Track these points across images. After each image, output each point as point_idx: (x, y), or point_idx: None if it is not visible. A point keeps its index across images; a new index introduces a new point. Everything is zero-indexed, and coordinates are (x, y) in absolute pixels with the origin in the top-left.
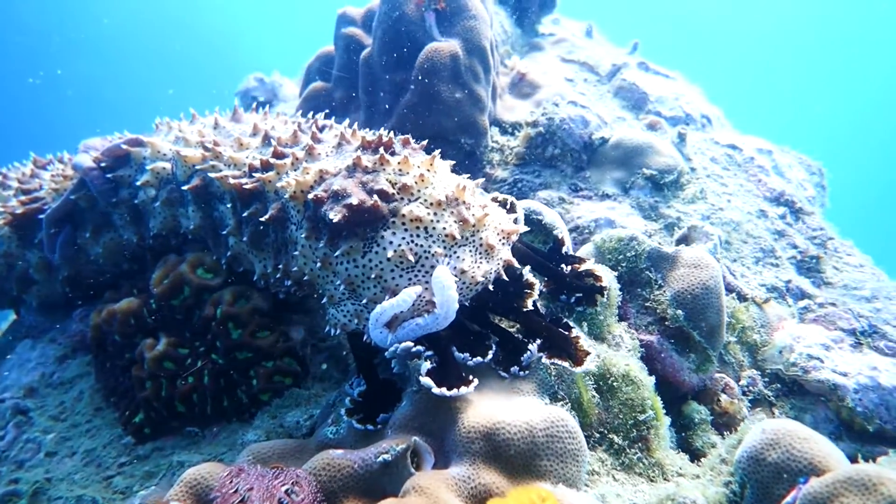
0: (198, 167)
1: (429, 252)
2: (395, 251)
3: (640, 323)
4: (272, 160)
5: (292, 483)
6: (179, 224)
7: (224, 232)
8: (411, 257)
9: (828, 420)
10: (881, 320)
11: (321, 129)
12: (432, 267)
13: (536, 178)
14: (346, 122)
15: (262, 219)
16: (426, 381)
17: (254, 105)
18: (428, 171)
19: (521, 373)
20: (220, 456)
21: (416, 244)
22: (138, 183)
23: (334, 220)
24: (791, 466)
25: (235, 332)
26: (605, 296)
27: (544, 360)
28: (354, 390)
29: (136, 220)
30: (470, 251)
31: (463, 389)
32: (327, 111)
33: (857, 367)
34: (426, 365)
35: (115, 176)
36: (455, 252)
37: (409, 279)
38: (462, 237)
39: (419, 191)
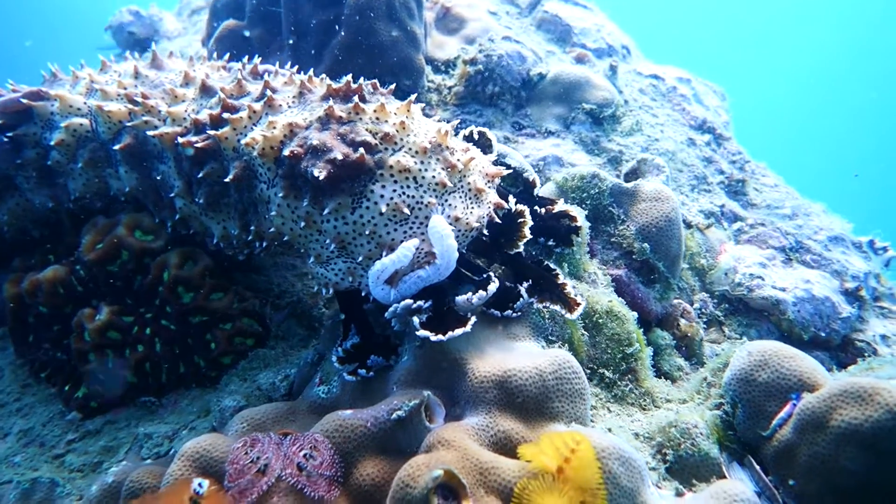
0: (128, 123)
1: (421, 202)
2: (387, 205)
3: (607, 258)
4: (226, 115)
5: (311, 447)
6: (107, 186)
7: (172, 195)
8: (406, 210)
9: (770, 332)
10: (804, 236)
11: (261, 76)
12: (426, 217)
13: (479, 117)
14: (289, 66)
15: (227, 180)
16: (423, 332)
17: (154, 48)
18: (406, 117)
19: (514, 314)
20: (190, 424)
21: (408, 195)
22: (52, 142)
23: (320, 178)
24: (781, 384)
25: (187, 295)
26: (580, 235)
27: (536, 304)
28: (348, 342)
29: (49, 183)
30: (460, 197)
31: (459, 330)
32: (246, 54)
33: (792, 282)
34: (419, 318)
35: (17, 135)
36: (447, 200)
37: (405, 232)
38: (451, 184)
39: (402, 139)
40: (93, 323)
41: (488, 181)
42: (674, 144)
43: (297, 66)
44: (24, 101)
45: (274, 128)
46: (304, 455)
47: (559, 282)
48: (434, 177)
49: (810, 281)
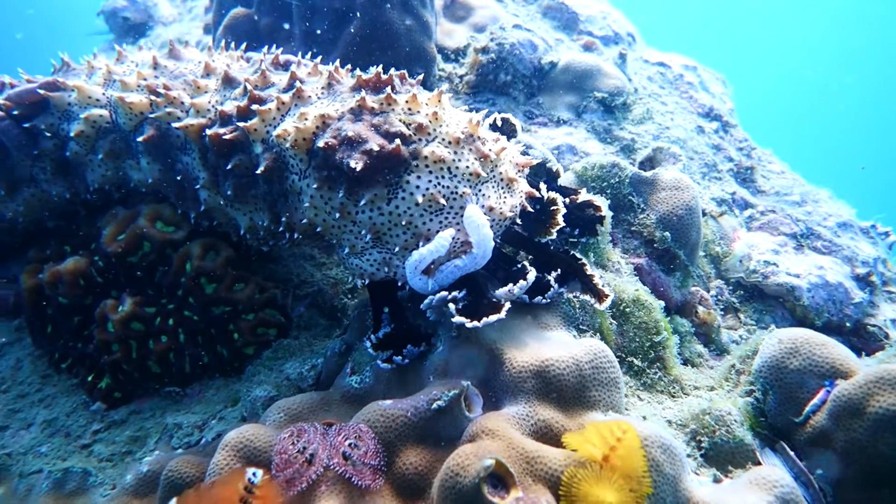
0: (151, 115)
1: (456, 192)
2: (423, 195)
3: (628, 247)
4: (254, 106)
5: (355, 437)
6: (127, 177)
7: (197, 186)
8: (442, 200)
9: (784, 319)
10: (814, 222)
11: (285, 66)
12: (462, 207)
13: (491, 106)
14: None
15: (258, 172)
16: (459, 319)
17: (172, 41)
18: (438, 107)
19: (544, 301)
20: (218, 414)
21: (443, 186)
22: (72, 134)
23: (357, 169)
24: (814, 371)
25: (209, 286)
26: (604, 225)
27: (566, 293)
28: (381, 331)
29: (66, 174)
30: (493, 187)
31: (494, 317)
32: (255, 43)
33: (806, 269)
34: (455, 305)
35: (34, 125)
36: (480, 190)
37: (440, 222)
38: (484, 174)
39: (435, 129)
40: (116, 314)
41: (519, 171)
42: (684, 132)
43: (319, 57)
44: (42, 91)
45: (306, 119)
46: (349, 444)
47: (588, 272)
48: (468, 167)
49: (823, 267)
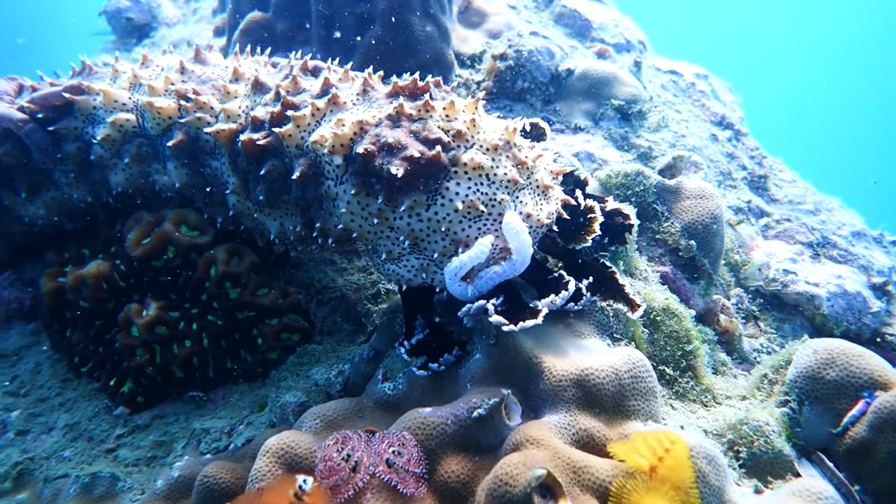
0: (181, 120)
1: (494, 199)
2: (463, 202)
3: (652, 255)
4: (290, 112)
5: (399, 445)
6: (152, 181)
7: (227, 191)
8: (482, 207)
9: (803, 327)
10: (829, 231)
11: (313, 72)
12: (500, 214)
13: (509, 112)
14: (337, 62)
15: (293, 177)
16: (497, 318)
17: (198, 46)
18: (474, 114)
19: (577, 307)
20: (245, 419)
21: (482, 192)
22: (98, 138)
23: (398, 175)
24: (851, 382)
25: (234, 291)
26: (632, 233)
27: (599, 302)
28: (415, 337)
29: (88, 177)
30: (530, 194)
31: (531, 321)
32: (271, 47)
33: (824, 278)
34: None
35: (58, 129)
36: (517, 196)
37: (479, 229)
38: (522, 181)
39: (473, 136)
40: (141, 318)
41: (553, 178)
42: (699, 140)
43: (350, 63)
44: (67, 94)
45: (343, 125)
46: (393, 452)
47: (620, 280)
48: (506, 174)
49: (842, 276)
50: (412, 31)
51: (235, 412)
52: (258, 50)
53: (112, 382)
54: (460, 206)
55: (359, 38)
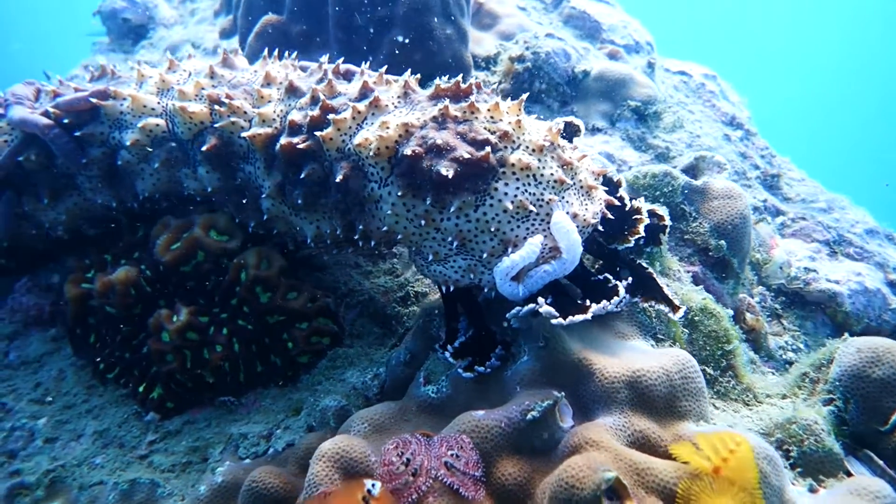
0: (215, 124)
1: (542, 199)
2: (512, 202)
3: (681, 255)
4: (331, 116)
5: (458, 448)
6: (181, 186)
7: (263, 195)
8: (532, 207)
9: (824, 324)
10: (843, 229)
11: (345, 76)
12: (548, 214)
13: (527, 114)
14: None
15: (336, 180)
16: (547, 309)
17: (225, 51)
18: (518, 115)
19: (616, 309)
20: (282, 424)
21: (530, 193)
22: (127, 143)
23: (448, 176)
24: None
25: (264, 295)
26: (665, 234)
27: (641, 303)
28: (457, 341)
29: (113, 182)
30: (574, 194)
31: (580, 316)
32: (287, 49)
33: (844, 275)
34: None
35: (84, 134)
36: (563, 196)
37: (527, 229)
38: (568, 181)
39: (519, 137)
40: (172, 324)
41: (595, 178)
42: (713, 140)
43: (385, 67)
44: (94, 100)
45: (387, 127)
46: (452, 455)
47: (658, 281)
48: (552, 174)
49: (861, 274)
50: (433, 34)
51: (270, 416)
52: (276, 53)
53: (141, 388)
54: (510, 206)
55: (379, 42)
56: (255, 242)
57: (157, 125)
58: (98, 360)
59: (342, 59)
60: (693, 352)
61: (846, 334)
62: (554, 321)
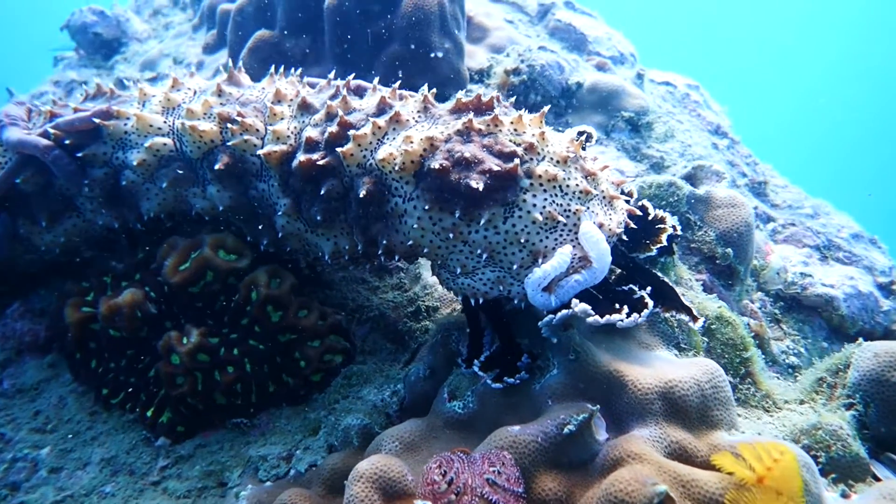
0: (228, 142)
1: (569, 210)
2: (541, 213)
3: (688, 263)
4: (352, 132)
5: (500, 464)
6: (187, 205)
7: (278, 213)
8: (561, 218)
9: (821, 328)
10: (831, 234)
11: (356, 91)
12: (575, 224)
13: None
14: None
15: (360, 196)
16: (583, 307)
17: (231, 68)
18: (541, 127)
19: (639, 320)
20: (302, 444)
21: (557, 203)
22: (134, 163)
23: (479, 189)
24: None
25: (276, 314)
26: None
27: (662, 313)
28: (483, 354)
29: (115, 203)
30: (598, 204)
31: (616, 316)
32: (283, 65)
33: (837, 279)
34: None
35: (87, 155)
36: (588, 207)
37: (556, 239)
38: (593, 191)
39: (543, 149)
40: (183, 346)
41: (616, 188)
42: (703, 149)
43: (397, 82)
44: (97, 120)
45: (412, 142)
46: (494, 472)
47: (676, 290)
48: (577, 185)
49: (854, 278)
50: (432, 48)
51: (287, 437)
52: (281, 69)
53: (150, 412)
54: (539, 217)
55: (377, 56)
56: (264, 261)
57: (165, 144)
58: (101, 385)
59: (353, 75)
60: (712, 360)
61: (860, 339)
62: (589, 319)
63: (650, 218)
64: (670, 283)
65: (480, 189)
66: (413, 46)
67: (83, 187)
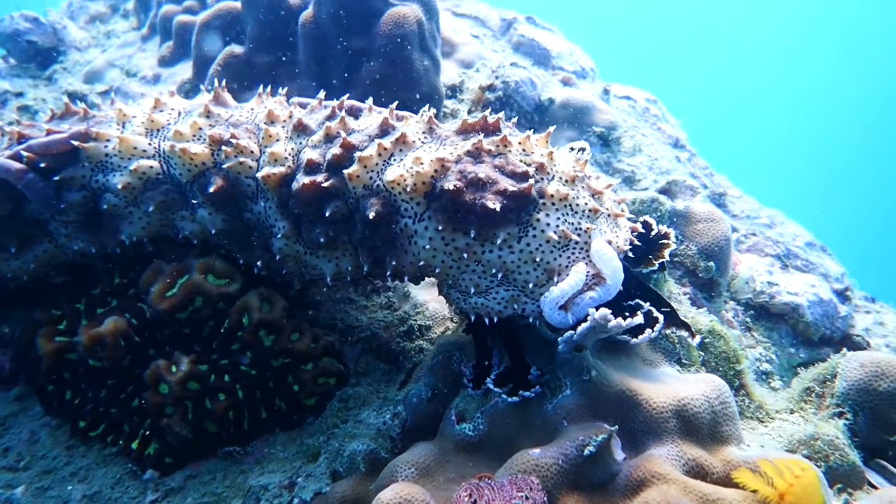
0: (224, 165)
1: (580, 228)
2: (555, 232)
3: (672, 277)
4: (357, 154)
5: (528, 489)
6: (174, 229)
7: (277, 235)
8: (574, 236)
9: (788, 334)
10: (789, 243)
11: (350, 112)
12: (586, 242)
13: None
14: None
15: (370, 217)
16: (603, 312)
17: (217, 88)
18: (548, 147)
19: (653, 335)
20: (302, 471)
21: (569, 222)
22: (119, 186)
23: (496, 209)
24: None
25: (268, 338)
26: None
27: (664, 329)
28: (497, 367)
29: (92, 227)
30: (604, 221)
31: (637, 319)
32: (257, 82)
33: (801, 287)
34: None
35: (64, 178)
36: (596, 225)
37: (568, 257)
38: (601, 209)
39: (552, 168)
40: (173, 375)
41: (619, 205)
42: (668, 162)
43: (395, 103)
44: (75, 142)
45: (422, 163)
46: (523, 497)
47: (673, 306)
48: (587, 203)
49: (815, 285)
50: (412, 66)
51: (286, 464)
52: (269, 89)
53: (135, 444)
54: (553, 235)
55: (356, 73)
56: (254, 284)
57: (151, 167)
58: (77, 417)
59: (346, 95)
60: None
61: (844, 349)
62: (611, 324)
63: (652, 234)
64: (667, 300)
65: (497, 209)
66: (393, 64)
67: (59, 212)
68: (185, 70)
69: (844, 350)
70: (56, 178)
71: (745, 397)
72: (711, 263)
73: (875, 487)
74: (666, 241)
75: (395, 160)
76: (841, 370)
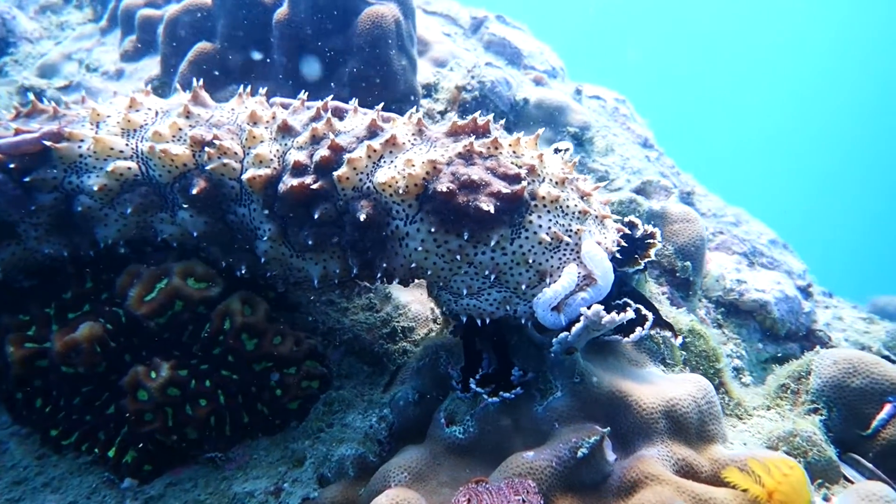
0: (207, 166)
1: (571, 230)
2: (547, 234)
3: (651, 276)
4: (347, 155)
5: (525, 493)
6: (152, 231)
7: (263, 238)
8: (566, 238)
9: (756, 330)
10: (754, 240)
11: (335, 113)
12: (577, 244)
13: None
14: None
15: (361, 219)
16: (596, 309)
17: (195, 88)
18: (537, 150)
19: (643, 333)
20: (288, 476)
21: (560, 224)
22: (94, 188)
23: (490, 211)
24: (875, 388)
25: (251, 342)
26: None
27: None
28: (486, 369)
29: (65, 230)
30: (593, 223)
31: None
32: (233, 80)
33: (768, 284)
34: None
35: (35, 179)
36: (586, 226)
37: (559, 259)
38: (590, 210)
39: (542, 170)
40: (152, 381)
41: (605, 207)
42: (639, 162)
43: (379, 105)
44: (47, 142)
45: (413, 165)
46: (520, 500)
47: (657, 307)
48: (576, 205)
49: (780, 282)
50: (391, 65)
51: (271, 470)
52: (248, 89)
53: (112, 452)
54: (545, 237)
55: (334, 72)
56: (234, 288)
57: (129, 168)
58: (49, 426)
59: (331, 96)
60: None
61: (818, 347)
62: (605, 319)
63: (638, 234)
64: (649, 300)
65: (491, 211)
66: (372, 63)
67: (28, 214)
68: (151, 66)
69: (818, 348)
70: (26, 179)
71: (724, 395)
72: (688, 263)
73: (850, 482)
74: (652, 241)
75: (384, 162)
76: (815, 367)
